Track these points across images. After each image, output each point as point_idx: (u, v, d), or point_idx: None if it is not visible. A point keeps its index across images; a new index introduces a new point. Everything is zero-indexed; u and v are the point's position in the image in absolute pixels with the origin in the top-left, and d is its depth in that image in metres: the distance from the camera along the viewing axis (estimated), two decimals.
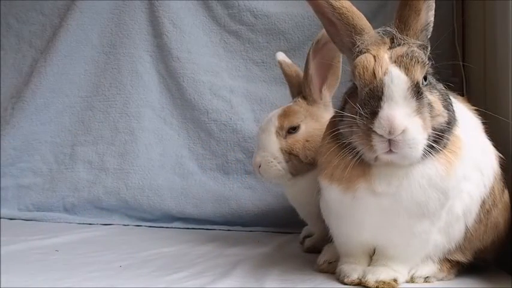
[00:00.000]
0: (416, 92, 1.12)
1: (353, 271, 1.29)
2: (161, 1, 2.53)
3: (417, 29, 1.18)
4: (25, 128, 2.60)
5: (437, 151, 1.14)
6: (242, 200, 2.33)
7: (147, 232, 2.25)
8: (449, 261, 1.33)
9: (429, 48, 1.21)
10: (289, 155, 1.66)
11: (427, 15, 1.20)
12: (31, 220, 2.45)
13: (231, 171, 2.42)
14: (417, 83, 1.13)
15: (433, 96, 1.16)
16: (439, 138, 1.14)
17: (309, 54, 1.64)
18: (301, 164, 1.66)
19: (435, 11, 1.19)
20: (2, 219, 2.42)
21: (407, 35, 1.18)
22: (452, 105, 1.21)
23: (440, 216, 1.22)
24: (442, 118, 1.15)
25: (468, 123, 1.33)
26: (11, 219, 2.46)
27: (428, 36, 1.21)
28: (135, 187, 2.46)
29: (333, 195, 1.24)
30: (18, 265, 1.53)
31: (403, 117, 1.09)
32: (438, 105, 1.16)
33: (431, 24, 1.20)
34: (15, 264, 1.54)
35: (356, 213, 1.22)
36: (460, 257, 1.34)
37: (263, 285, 1.30)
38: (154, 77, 2.56)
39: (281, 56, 1.85)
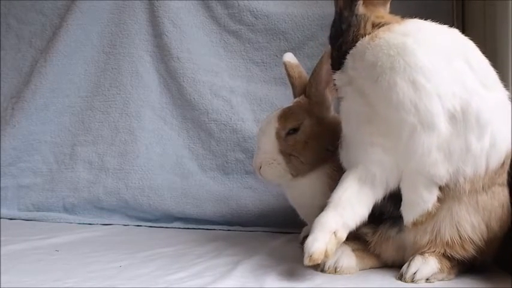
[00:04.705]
0: None
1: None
2: (161, 1, 2.53)
3: None
4: (25, 128, 2.59)
5: None
6: (242, 200, 2.33)
7: (147, 232, 2.25)
8: (449, 260, 1.34)
9: None
10: (290, 156, 1.65)
11: None
12: (31, 220, 2.45)
13: (231, 171, 2.42)
14: None
15: None
16: None
17: (324, 56, 1.63)
18: (301, 165, 1.66)
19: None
20: (2, 219, 2.42)
21: None
22: None
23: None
24: None
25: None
26: (11, 219, 2.46)
27: None
28: (135, 187, 2.46)
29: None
30: (18, 265, 1.53)
31: None
32: None
33: None
34: (15, 264, 1.54)
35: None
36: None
37: (263, 285, 1.30)
38: (155, 77, 2.56)
39: (288, 57, 1.83)
